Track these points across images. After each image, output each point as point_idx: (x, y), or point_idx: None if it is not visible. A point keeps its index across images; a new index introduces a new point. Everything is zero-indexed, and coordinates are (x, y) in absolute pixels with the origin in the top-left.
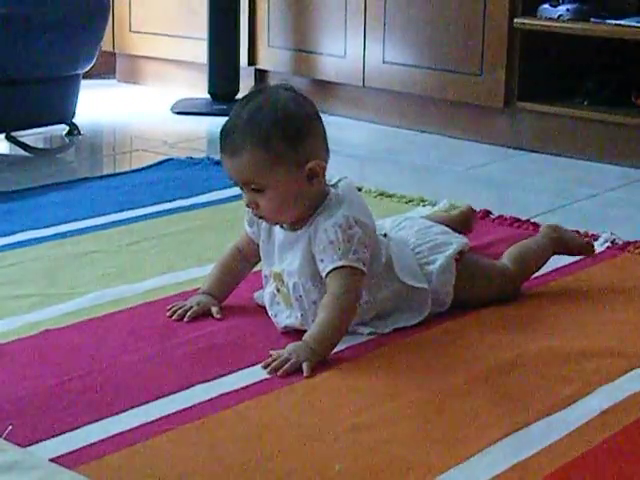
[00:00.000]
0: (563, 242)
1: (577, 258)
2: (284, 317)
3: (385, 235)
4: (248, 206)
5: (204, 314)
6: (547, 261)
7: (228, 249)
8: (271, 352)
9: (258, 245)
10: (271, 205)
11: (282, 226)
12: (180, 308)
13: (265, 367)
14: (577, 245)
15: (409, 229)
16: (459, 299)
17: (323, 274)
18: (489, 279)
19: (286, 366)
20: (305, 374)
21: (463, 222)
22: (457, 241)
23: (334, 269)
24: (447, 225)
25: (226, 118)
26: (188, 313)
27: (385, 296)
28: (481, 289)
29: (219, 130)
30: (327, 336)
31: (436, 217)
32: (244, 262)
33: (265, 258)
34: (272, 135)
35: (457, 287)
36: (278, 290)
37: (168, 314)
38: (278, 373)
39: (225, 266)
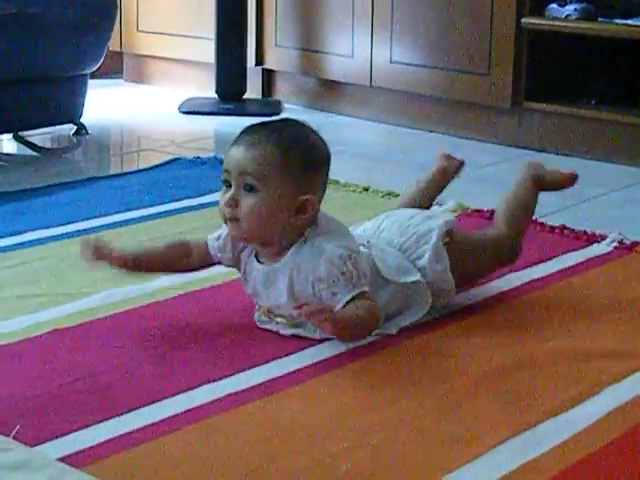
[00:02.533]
0: (544, 180)
1: (584, 257)
2: (288, 329)
3: (367, 241)
4: (227, 204)
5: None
6: (536, 203)
7: (179, 239)
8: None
9: (211, 262)
10: (253, 210)
11: (259, 260)
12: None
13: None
14: (558, 179)
15: (390, 229)
16: (459, 278)
17: (339, 305)
18: (482, 250)
19: (313, 313)
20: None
21: (444, 174)
22: (439, 225)
23: (355, 295)
24: (435, 185)
25: (233, 118)
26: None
27: (384, 301)
28: (477, 261)
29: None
30: (354, 320)
31: (418, 189)
32: (183, 259)
33: (249, 290)
34: (295, 149)
35: (453, 267)
36: (273, 318)
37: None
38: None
39: (164, 248)
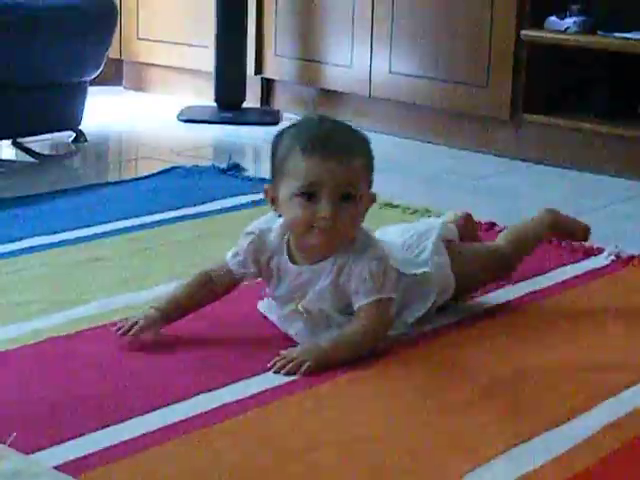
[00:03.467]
0: (559, 223)
1: (582, 270)
2: (307, 335)
3: None
4: (330, 218)
5: (149, 328)
6: (540, 243)
7: (198, 274)
8: (281, 352)
9: (236, 283)
10: (354, 217)
11: (294, 262)
12: (126, 323)
13: (272, 366)
14: (572, 228)
15: (393, 233)
16: (457, 284)
17: (357, 304)
18: (483, 260)
19: (289, 365)
20: (302, 371)
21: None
22: (439, 225)
23: (372, 301)
24: None
25: (232, 127)
26: (133, 329)
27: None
28: (476, 271)
29: (309, 136)
30: (345, 346)
31: None
32: (210, 292)
33: (281, 292)
34: (370, 152)
35: (453, 272)
36: (305, 315)
37: (115, 329)
38: (282, 372)
39: (189, 290)
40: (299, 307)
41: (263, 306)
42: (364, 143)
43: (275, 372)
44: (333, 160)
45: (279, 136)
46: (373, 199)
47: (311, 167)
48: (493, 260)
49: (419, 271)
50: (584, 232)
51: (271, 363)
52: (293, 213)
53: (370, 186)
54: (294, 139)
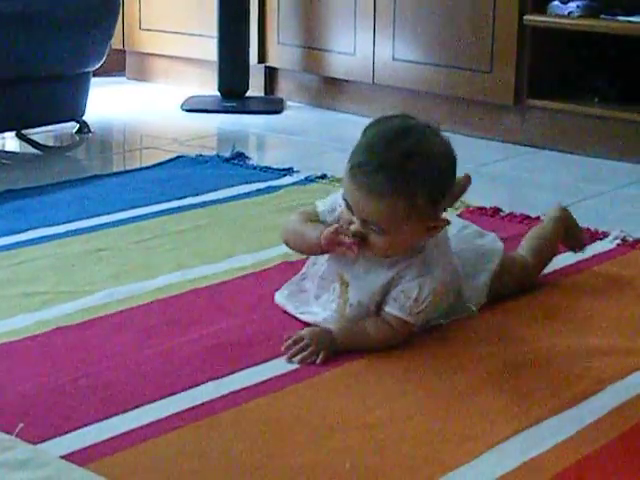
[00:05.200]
0: (565, 230)
1: (587, 254)
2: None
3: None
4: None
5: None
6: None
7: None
8: (286, 337)
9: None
10: (380, 246)
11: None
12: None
13: (285, 351)
14: (574, 237)
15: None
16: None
17: (386, 308)
18: (511, 274)
19: (305, 354)
20: (318, 362)
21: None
22: (497, 249)
23: (398, 317)
24: None
25: (236, 116)
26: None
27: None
28: (504, 283)
29: (359, 159)
30: (354, 341)
31: None
32: None
33: (322, 278)
34: (419, 192)
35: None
36: (344, 291)
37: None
38: (295, 359)
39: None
40: (346, 281)
41: (281, 297)
42: (430, 188)
43: (288, 360)
44: (362, 193)
45: (364, 132)
46: (435, 226)
47: (348, 188)
48: (523, 276)
49: (472, 306)
50: (581, 245)
51: (284, 346)
52: (343, 208)
53: (431, 215)
54: (356, 148)
